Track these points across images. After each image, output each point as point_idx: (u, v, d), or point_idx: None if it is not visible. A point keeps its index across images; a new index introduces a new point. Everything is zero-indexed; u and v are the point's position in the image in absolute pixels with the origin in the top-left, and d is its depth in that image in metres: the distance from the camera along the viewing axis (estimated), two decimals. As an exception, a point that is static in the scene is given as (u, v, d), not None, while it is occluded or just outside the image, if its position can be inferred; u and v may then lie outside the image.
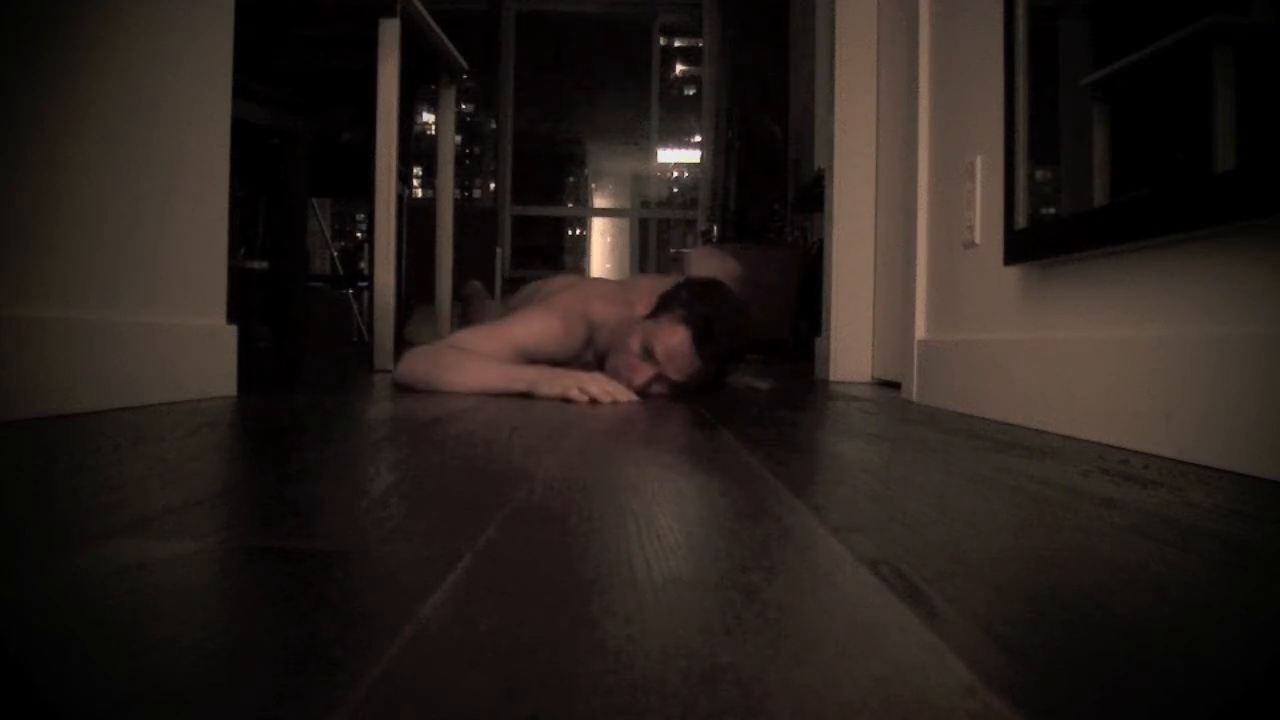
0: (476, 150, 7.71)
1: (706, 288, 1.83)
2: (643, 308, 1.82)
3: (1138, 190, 1.11)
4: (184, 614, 0.40)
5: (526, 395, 1.68)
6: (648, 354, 1.75)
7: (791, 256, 4.24)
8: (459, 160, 5.04)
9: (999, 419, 1.43)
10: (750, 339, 1.90)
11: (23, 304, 1.12)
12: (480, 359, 1.76)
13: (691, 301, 1.76)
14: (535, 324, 1.84)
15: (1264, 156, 0.86)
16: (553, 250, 7.65)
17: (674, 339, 1.72)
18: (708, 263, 2.07)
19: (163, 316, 1.40)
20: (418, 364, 1.79)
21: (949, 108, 1.83)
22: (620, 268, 7.62)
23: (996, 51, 1.50)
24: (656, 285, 1.87)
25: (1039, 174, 1.40)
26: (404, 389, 1.83)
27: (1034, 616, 0.43)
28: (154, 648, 0.35)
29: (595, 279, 2.20)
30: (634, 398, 1.67)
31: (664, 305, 1.78)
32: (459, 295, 2.94)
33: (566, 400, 1.62)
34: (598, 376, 1.70)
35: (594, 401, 1.61)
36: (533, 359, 1.80)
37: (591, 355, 1.90)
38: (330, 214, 5.13)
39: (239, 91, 1.65)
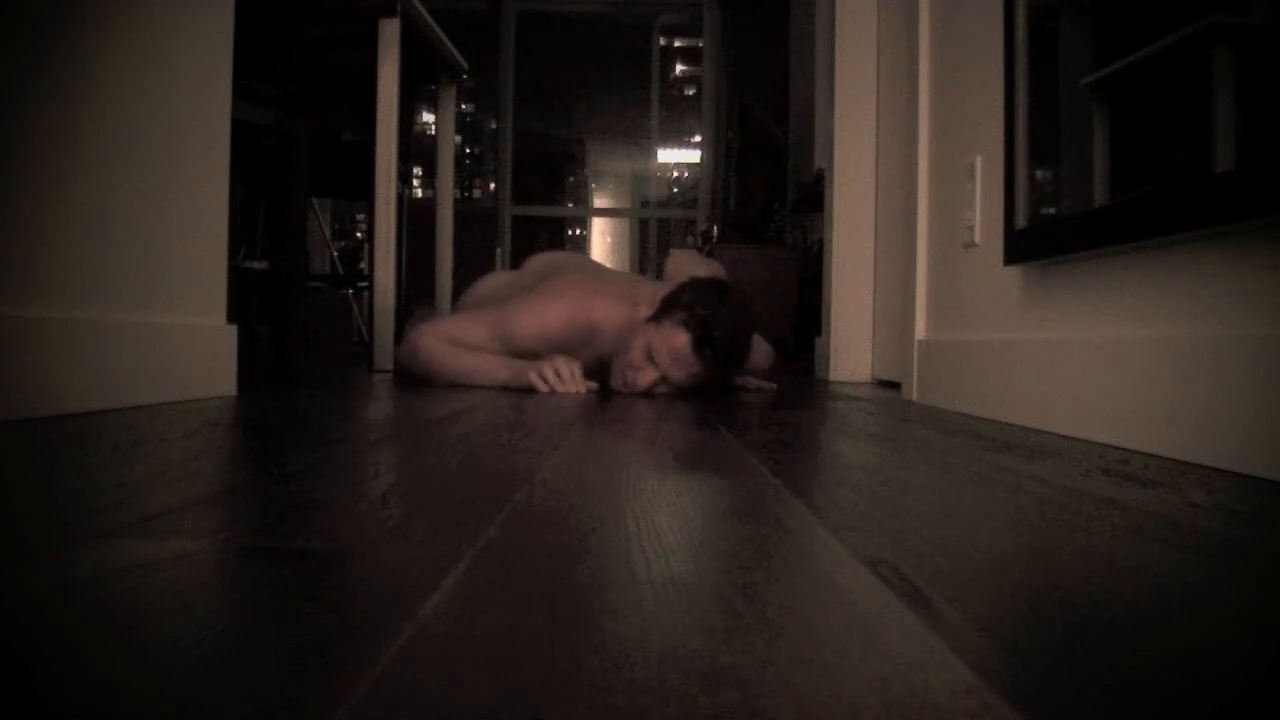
0: (476, 150, 7.71)
1: (709, 289, 1.83)
2: (646, 309, 1.82)
3: (1138, 190, 1.11)
4: (184, 614, 0.40)
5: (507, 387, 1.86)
6: (651, 358, 1.76)
7: (791, 256, 4.23)
8: (459, 160, 5.04)
9: (999, 419, 1.43)
10: (750, 342, 1.90)
11: (23, 304, 1.12)
12: (474, 357, 1.91)
13: (693, 305, 1.76)
14: (530, 322, 1.91)
15: (1264, 156, 0.86)
16: (553, 250, 7.65)
17: (675, 343, 1.73)
18: (686, 267, 2.06)
19: (163, 316, 1.40)
20: (435, 352, 1.93)
21: (949, 108, 1.83)
22: (620, 268, 7.63)
23: (996, 51, 1.50)
24: (660, 288, 1.88)
25: (1039, 174, 1.40)
26: (403, 378, 1.95)
27: (1034, 616, 0.43)
28: (154, 648, 0.35)
29: (603, 274, 2.21)
30: (583, 390, 1.82)
31: (666, 308, 1.79)
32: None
33: (532, 389, 1.81)
34: (557, 361, 1.82)
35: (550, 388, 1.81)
36: (523, 352, 1.91)
37: (593, 356, 1.91)
38: (330, 214, 5.13)
39: (239, 91, 1.65)
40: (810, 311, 3.52)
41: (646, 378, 1.78)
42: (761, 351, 2.19)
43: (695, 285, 1.84)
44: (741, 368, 1.96)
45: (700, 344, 1.73)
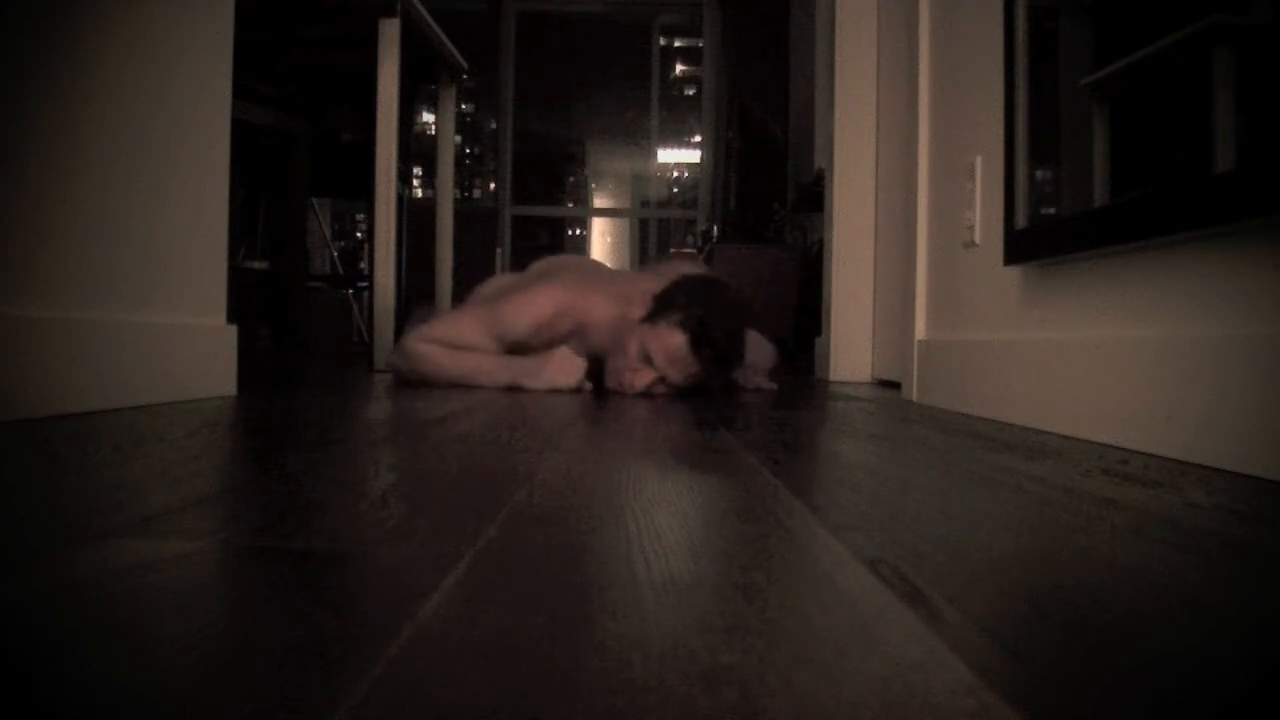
0: (476, 150, 7.71)
1: (701, 286, 1.82)
2: (638, 308, 1.81)
3: (1138, 190, 1.11)
4: (184, 614, 0.40)
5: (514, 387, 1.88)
6: (647, 358, 1.76)
7: (791, 256, 4.23)
8: (459, 160, 5.04)
9: (999, 419, 1.43)
10: (744, 338, 1.90)
11: (23, 304, 1.12)
12: (474, 357, 1.92)
13: (688, 305, 1.75)
14: (522, 312, 1.93)
15: (1264, 156, 0.86)
16: (553, 250, 7.65)
17: (671, 344, 1.73)
18: (680, 268, 2.06)
19: (163, 316, 1.40)
20: (432, 357, 1.94)
21: (949, 108, 1.83)
22: (620, 268, 7.62)
23: (996, 51, 1.50)
24: (654, 285, 1.87)
25: (1039, 174, 1.40)
26: (401, 380, 1.96)
27: (1034, 616, 0.43)
28: (154, 648, 0.35)
29: (600, 272, 2.24)
30: (586, 386, 1.86)
31: (660, 308, 1.78)
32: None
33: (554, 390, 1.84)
34: (559, 354, 1.84)
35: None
36: (517, 346, 1.93)
37: (588, 354, 1.91)
38: (330, 214, 5.13)
39: (239, 91, 1.65)
40: (810, 311, 3.52)
41: (643, 379, 1.77)
42: (763, 352, 2.19)
43: (687, 283, 1.83)
44: (739, 365, 1.96)
45: (697, 344, 1.73)
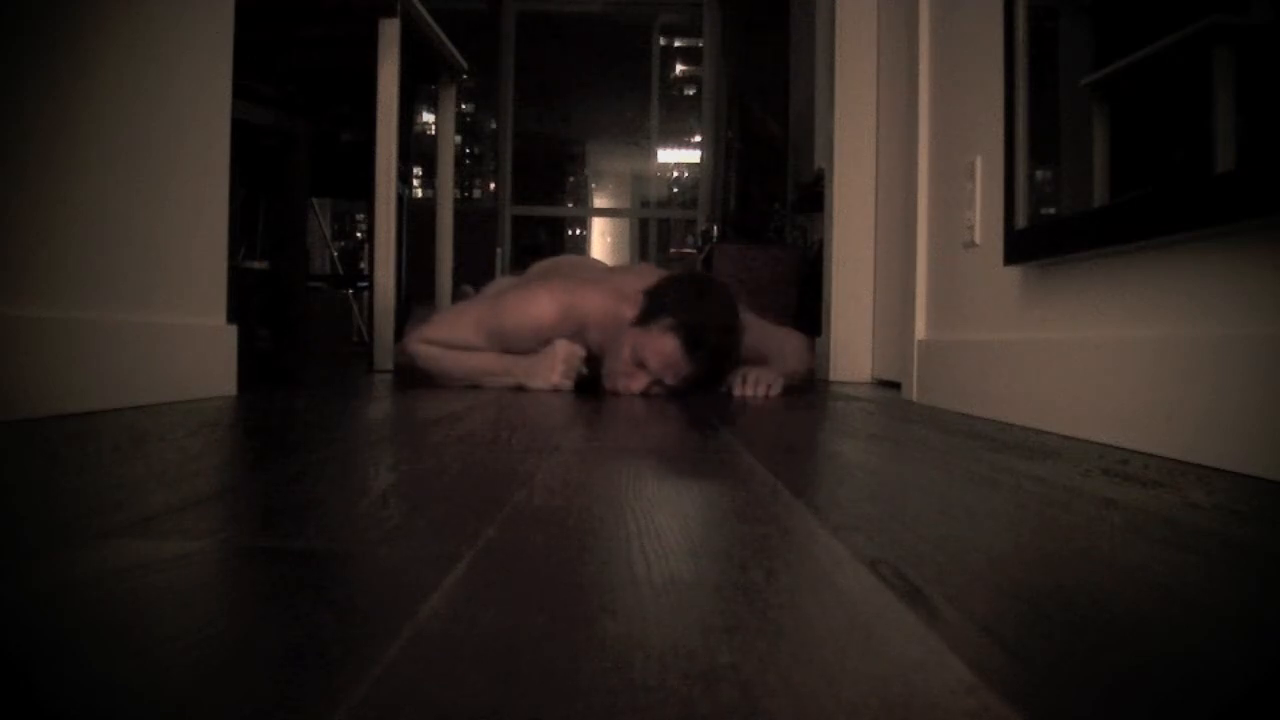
0: (476, 150, 7.71)
1: (693, 287, 1.82)
2: (630, 309, 1.81)
3: (1138, 190, 1.11)
4: (184, 614, 0.40)
5: (518, 386, 1.89)
6: (641, 362, 1.76)
7: (791, 256, 4.23)
8: (459, 160, 5.05)
9: (999, 419, 1.43)
10: (739, 336, 1.89)
11: (23, 304, 1.12)
12: (474, 357, 1.93)
13: (679, 307, 1.75)
14: (523, 312, 1.92)
15: (1264, 156, 0.86)
16: (553, 250, 7.64)
17: (665, 349, 1.73)
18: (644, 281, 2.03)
19: (163, 316, 1.40)
20: (435, 360, 1.95)
21: (949, 108, 1.83)
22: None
23: (996, 51, 1.50)
24: (645, 284, 1.86)
25: (1039, 174, 1.40)
26: (404, 378, 1.99)
27: (1034, 616, 0.43)
28: (154, 648, 0.35)
29: (588, 266, 2.27)
30: (566, 385, 1.88)
31: (651, 310, 1.77)
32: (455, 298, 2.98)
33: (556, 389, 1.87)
34: (559, 345, 1.86)
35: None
36: (515, 348, 1.93)
37: (581, 346, 1.92)
38: (330, 214, 5.13)
39: (239, 91, 1.65)
40: (810, 311, 3.51)
41: (639, 383, 1.78)
42: (796, 351, 2.17)
43: (676, 284, 1.83)
44: (736, 364, 1.94)
45: (691, 347, 1.73)
